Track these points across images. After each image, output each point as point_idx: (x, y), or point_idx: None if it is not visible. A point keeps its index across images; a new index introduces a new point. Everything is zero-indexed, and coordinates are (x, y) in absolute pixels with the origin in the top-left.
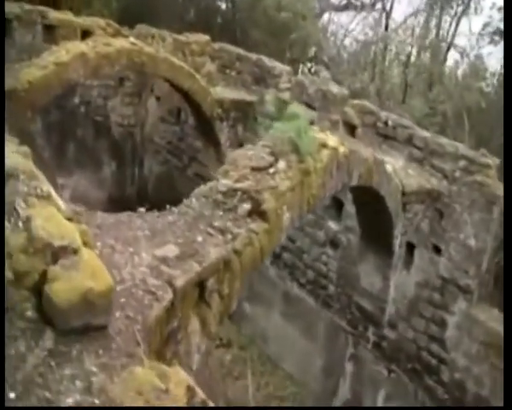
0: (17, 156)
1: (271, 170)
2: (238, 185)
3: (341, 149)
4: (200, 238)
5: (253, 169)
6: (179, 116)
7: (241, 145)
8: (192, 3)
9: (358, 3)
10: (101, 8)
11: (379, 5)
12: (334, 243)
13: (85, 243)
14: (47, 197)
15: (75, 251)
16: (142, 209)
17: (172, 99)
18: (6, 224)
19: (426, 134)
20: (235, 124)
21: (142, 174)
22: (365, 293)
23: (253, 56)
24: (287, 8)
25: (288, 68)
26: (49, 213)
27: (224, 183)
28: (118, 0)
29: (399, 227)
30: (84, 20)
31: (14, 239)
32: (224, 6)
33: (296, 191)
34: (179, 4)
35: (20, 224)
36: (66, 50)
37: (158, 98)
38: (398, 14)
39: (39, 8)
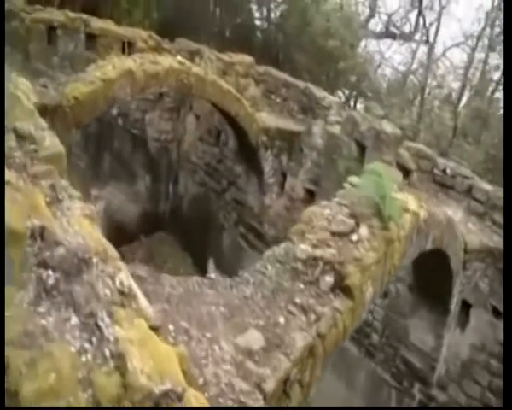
0: (86, 225)
1: (354, 237)
2: (319, 253)
3: (422, 213)
4: (282, 319)
5: (333, 234)
6: (219, 138)
7: (284, 175)
8: (229, 19)
9: (398, 32)
10: (142, 18)
11: (417, 36)
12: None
13: (184, 373)
14: (128, 295)
15: (179, 397)
16: (212, 275)
17: (212, 119)
18: (87, 346)
19: (487, 187)
20: (280, 153)
21: (177, 192)
22: (414, 348)
23: (301, 84)
24: (335, 36)
25: (337, 100)
26: (141, 336)
27: (303, 249)
28: (159, 11)
29: (458, 285)
30: (126, 31)
31: (103, 381)
32: (262, 24)
33: (380, 263)
34: (217, 19)
35: (107, 353)
36: (113, 66)
37: (197, 117)
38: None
39: (83, 16)
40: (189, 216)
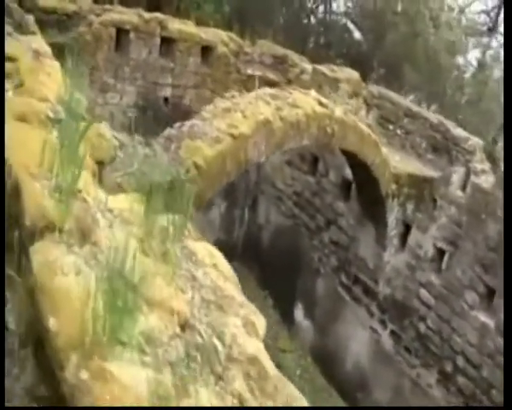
0: None
1: None
2: None
3: None
4: None
5: None
6: (315, 166)
7: (407, 227)
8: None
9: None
10: (213, 11)
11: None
12: None
13: None
14: None
15: None
16: None
17: None
18: None
19: None
20: (405, 201)
21: (255, 219)
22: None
23: (431, 116)
24: (460, 51)
25: (481, 143)
26: None
27: None
28: (230, 3)
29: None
30: (206, 33)
31: None
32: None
33: None
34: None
35: None
36: (242, 113)
37: None
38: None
39: (159, 16)
40: (271, 250)
